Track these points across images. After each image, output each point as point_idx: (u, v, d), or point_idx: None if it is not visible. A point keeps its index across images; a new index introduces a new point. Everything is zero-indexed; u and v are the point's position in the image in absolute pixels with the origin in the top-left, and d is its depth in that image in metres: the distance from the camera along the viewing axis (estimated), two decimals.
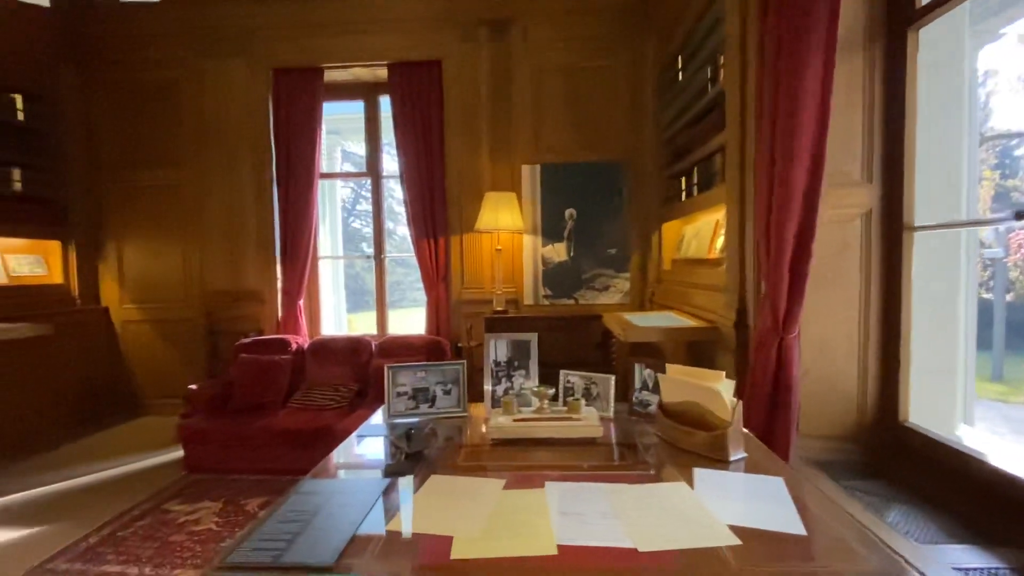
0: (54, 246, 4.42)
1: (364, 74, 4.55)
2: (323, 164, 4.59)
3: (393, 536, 1.06)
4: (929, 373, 1.90)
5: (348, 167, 8.70)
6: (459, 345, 4.27)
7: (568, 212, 4.26)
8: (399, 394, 1.82)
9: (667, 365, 1.61)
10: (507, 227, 3.97)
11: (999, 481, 1.42)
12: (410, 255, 4.59)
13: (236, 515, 2.88)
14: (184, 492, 3.17)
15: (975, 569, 1.26)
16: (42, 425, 3.96)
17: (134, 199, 4.59)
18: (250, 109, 4.43)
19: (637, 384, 1.80)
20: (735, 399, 1.43)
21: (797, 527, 1.04)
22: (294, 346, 4.06)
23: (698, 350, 2.73)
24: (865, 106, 1.89)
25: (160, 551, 2.53)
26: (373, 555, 0.98)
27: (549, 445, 1.53)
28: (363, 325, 8.50)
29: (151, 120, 4.53)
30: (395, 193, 5.29)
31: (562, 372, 1.86)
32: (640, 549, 0.98)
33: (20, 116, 4.10)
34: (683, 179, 3.48)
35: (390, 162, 4.83)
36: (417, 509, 1.17)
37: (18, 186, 4.08)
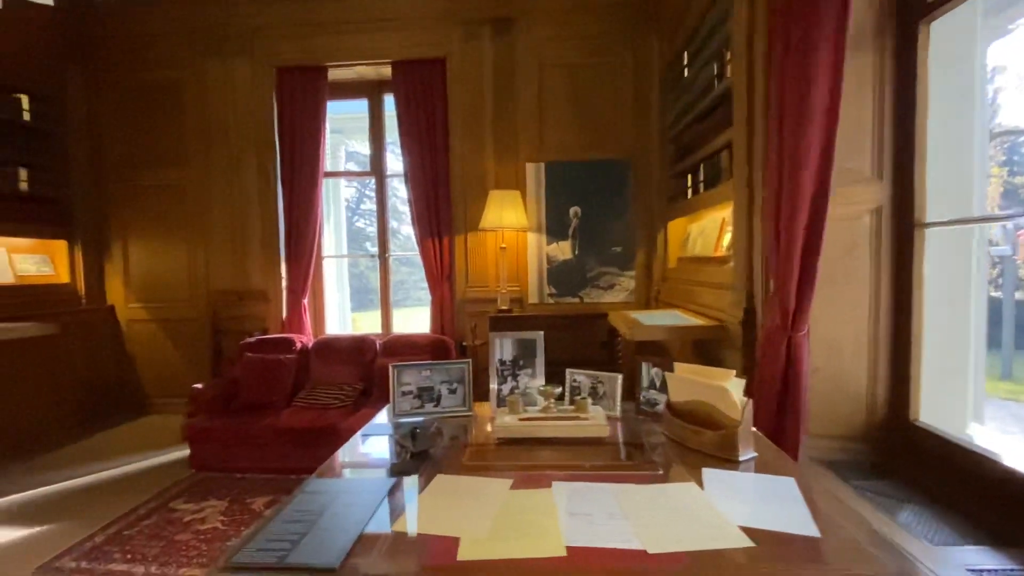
0: (60, 246, 4.43)
1: (368, 73, 4.54)
2: (327, 163, 4.59)
3: (399, 536, 1.05)
4: (939, 372, 1.87)
5: (352, 166, 8.71)
6: (464, 344, 4.26)
7: (573, 210, 4.24)
8: (404, 393, 1.82)
9: (675, 364, 1.60)
10: (511, 225, 3.96)
11: (1012, 481, 1.39)
12: (414, 254, 4.58)
13: (242, 514, 2.88)
14: (190, 491, 3.18)
15: (989, 570, 1.24)
16: (48, 424, 3.98)
17: (139, 198, 4.60)
18: (254, 108, 4.44)
19: (644, 383, 1.79)
20: (745, 398, 1.41)
21: (810, 528, 1.03)
22: (298, 345, 4.06)
23: (704, 348, 2.71)
24: (875, 101, 1.86)
25: (166, 550, 2.53)
26: (379, 556, 0.97)
27: (555, 445, 1.52)
28: (367, 324, 8.49)
29: (156, 120, 4.55)
30: (399, 192, 5.30)
31: (568, 371, 1.85)
32: (650, 551, 0.97)
33: (26, 116, 4.12)
34: (688, 176, 3.46)
35: (394, 161, 4.82)
36: (423, 509, 1.16)
37: (24, 186, 4.10)
